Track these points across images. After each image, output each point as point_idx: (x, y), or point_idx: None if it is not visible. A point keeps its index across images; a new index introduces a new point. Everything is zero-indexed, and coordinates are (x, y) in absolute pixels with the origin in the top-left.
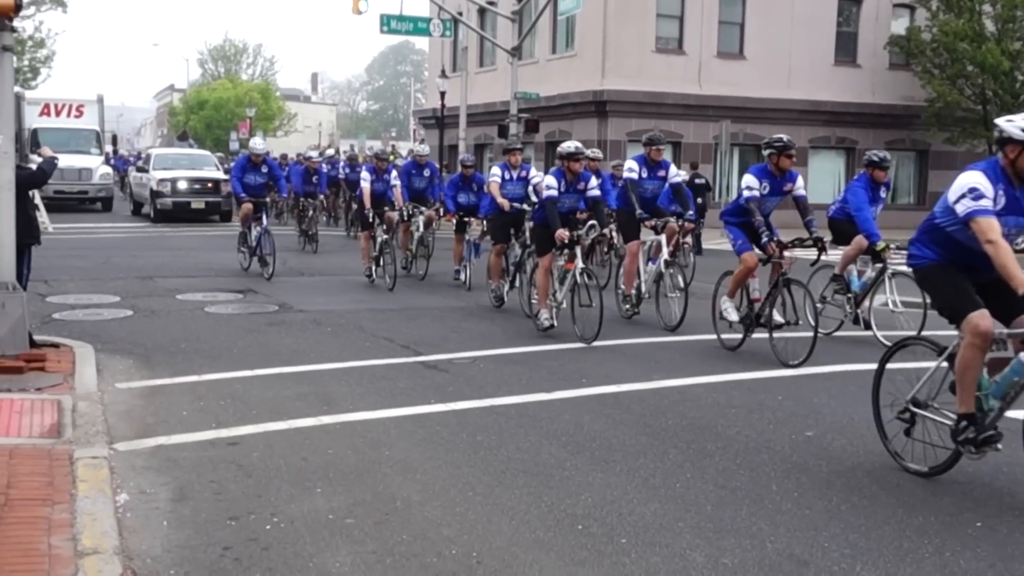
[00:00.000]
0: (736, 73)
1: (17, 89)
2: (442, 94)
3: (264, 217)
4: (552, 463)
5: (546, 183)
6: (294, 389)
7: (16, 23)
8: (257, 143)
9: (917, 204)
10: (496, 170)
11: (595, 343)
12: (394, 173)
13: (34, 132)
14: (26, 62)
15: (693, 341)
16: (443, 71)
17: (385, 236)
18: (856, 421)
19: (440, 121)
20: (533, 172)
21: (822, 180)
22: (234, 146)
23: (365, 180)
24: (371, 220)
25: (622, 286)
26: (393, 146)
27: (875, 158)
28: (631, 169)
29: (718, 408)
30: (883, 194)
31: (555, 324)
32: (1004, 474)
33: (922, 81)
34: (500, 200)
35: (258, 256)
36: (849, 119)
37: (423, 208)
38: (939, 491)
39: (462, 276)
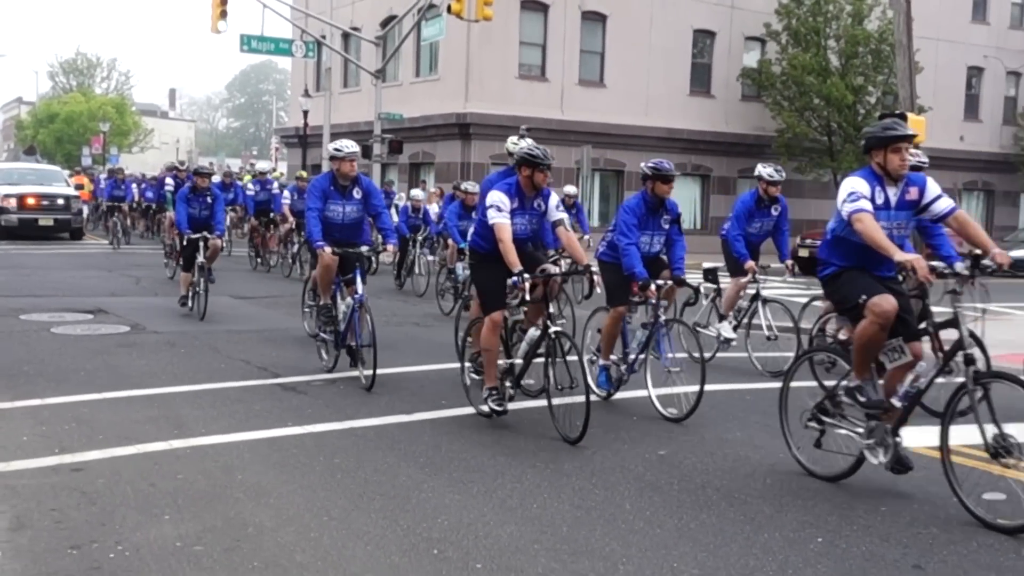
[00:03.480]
0: (597, 100)
1: None
2: (305, 113)
3: (359, 281)
4: (409, 485)
5: None
6: (144, 412)
7: None
8: (347, 145)
9: None
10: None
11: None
12: (554, 197)
13: None
14: None
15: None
16: (306, 90)
17: (555, 327)
18: (707, 440)
19: (303, 140)
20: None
21: (680, 206)
22: (86, 161)
23: (502, 210)
24: (521, 294)
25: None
26: (252, 164)
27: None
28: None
29: None
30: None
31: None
32: (844, 490)
33: (772, 112)
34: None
35: (348, 348)
36: (704, 147)
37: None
38: (784, 507)
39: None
